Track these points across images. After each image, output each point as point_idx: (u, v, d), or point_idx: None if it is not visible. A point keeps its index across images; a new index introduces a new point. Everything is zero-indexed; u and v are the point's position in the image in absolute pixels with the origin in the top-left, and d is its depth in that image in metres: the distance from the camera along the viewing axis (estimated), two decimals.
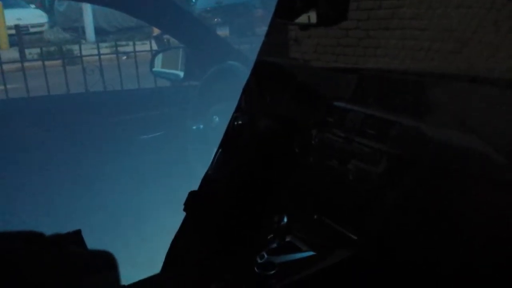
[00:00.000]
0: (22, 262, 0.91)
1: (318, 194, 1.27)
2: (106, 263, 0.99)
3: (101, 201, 2.17)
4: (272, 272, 1.02)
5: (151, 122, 2.63)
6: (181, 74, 2.71)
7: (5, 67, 4.25)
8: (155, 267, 1.11)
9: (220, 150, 1.35)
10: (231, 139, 1.36)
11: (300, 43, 1.53)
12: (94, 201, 2.17)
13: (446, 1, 1.16)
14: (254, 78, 1.41)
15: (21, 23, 11.22)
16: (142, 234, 2.04)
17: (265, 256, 1.06)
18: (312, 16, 1.08)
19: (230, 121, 1.38)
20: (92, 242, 1.04)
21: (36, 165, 2.24)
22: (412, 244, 1.03)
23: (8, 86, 4.02)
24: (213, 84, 2.41)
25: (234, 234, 1.17)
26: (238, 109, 1.39)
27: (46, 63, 4.31)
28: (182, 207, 1.22)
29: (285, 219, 1.18)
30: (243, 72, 2.12)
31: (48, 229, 0.97)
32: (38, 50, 6.34)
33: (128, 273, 1.00)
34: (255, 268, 1.03)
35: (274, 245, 1.14)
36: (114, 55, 4.52)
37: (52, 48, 9.84)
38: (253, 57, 1.42)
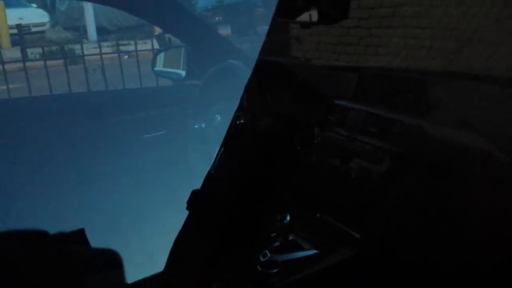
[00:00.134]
0: (26, 260, 0.92)
1: (320, 192, 1.28)
2: (111, 262, 0.99)
3: (102, 200, 2.17)
4: (275, 270, 1.02)
5: (152, 121, 2.63)
6: (183, 73, 2.71)
7: (7, 66, 4.25)
8: (155, 267, 1.11)
9: (222, 149, 1.35)
10: (233, 138, 1.36)
11: (301, 42, 1.53)
12: (95, 200, 2.18)
13: (447, 0, 1.16)
14: (256, 77, 1.41)
15: (23, 22, 11.22)
16: (142, 234, 2.05)
17: (268, 254, 1.06)
18: (313, 15, 1.08)
19: (232, 120, 1.38)
20: (93, 241, 1.04)
21: (37, 164, 2.25)
22: (414, 243, 1.03)
23: (10, 86, 4.02)
24: (215, 83, 2.41)
25: (236, 233, 1.17)
26: (239, 108, 1.39)
27: (48, 62, 4.32)
28: (183, 206, 1.22)
29: (288, 218, 1.18)
30: (245, 71, 2.11)
31: (49, 228, 0.97)
32: (40, 49, 6.34)
33: (128, 273, 1.01)
34: (258, 267, 1.03)
35: (277, 243, 1.14)
36: (116, 54, 4.52)
37: (54, 48, 9.85)
38: (254, 56, 1.42)
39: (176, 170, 2.36)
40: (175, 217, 1.23)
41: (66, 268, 0.95)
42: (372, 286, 1.05)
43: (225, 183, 1.30)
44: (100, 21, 13.69)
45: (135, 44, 4.58)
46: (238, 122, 1.35)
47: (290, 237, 1.17)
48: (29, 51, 9.39)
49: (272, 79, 1.42)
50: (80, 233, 1.06)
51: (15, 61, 5.48)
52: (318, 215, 1.24)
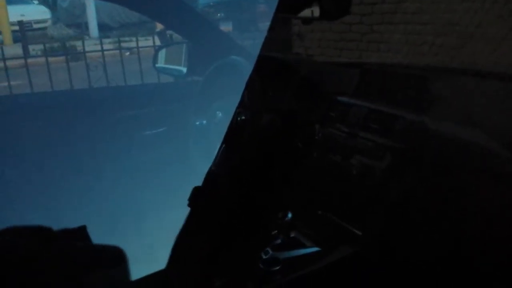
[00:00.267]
0: (32, 255, 0.92)
1: (322, 189, 1.27)
2: (116, 258, 1.00)
3: (103, 197, 2.17)
4: (277, 268, 1.02)
5: (154, 118, 2.62)
6: (184, 69, 2.70)
7: (9, 63, 4.25)
8: (156, 263, 1.11)
9: (223, 145, 1.35)
10: (234, 135, 1.36)
11: (303, 38, 1.53)
12: (95, 197, 2.18)
13: None
14: (257, 73, 1.40)
15: (25, 19, 11.21)
16: (143, 231, 2.05)
17: (270, 252, 1.06)
18: (315, 11, 1.08)
19: (233, 116, 1.38)
20: (94, 238, 1.04)
21: (38, 160, 2.25)
22: (415, 241, 1.03)
23: (12, 83, 4.02)
24: (216, 80, 2.40)
25: (237, 230, 1.17)
26: (241, 104, 1.39)
27: (50, 59, 4.31)
28: (185, 203, 1.22)
29: (290, 215, 1.17)
30: (246, 67, 2.10)
31: (48, 225, 0.97)
32: (41, 46, 6.34)
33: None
34: (260, 264, 1.03)
35: (279, 241, 1.14)
36: (117, 51, 4.51)
37: (55, 44, 9.84)
38: (256, 52, 1.41)
39: (177, 167, 2.36)
40: (177, 214, 1.23)
41: (71, 263, 0.96)
42: (373, 283, 1.05)
43: (226, 180, 1.30)
44: (101, 17, 13.67)
45: (137, 40, 4.57)
46: (239, 118, 1.35)
47: (292, 235, 1.16)
48: (30, 47, 9.37)
49: (274, 75, 1.42)
50: (82, 230, 1.06)
51: (17, 57, 5.46)
52: (319, 212, 1.24)
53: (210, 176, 1.32)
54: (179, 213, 1.20)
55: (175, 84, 3.10)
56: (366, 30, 1.35)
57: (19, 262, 0.89)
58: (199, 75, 2.61)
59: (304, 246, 1.15)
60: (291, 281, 1.02)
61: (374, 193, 1.12)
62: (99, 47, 4.39)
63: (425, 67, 1.20)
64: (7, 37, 11.76)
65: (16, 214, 1.93)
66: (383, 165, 1.11)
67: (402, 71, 1.23)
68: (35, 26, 13.18)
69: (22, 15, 11.61)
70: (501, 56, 0.99)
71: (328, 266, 1.07)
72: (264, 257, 1.05)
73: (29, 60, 4.44)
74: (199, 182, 1.27)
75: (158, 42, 4.64)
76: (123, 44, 4.92)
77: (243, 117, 1.35)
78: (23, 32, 9.75)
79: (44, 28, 13.59)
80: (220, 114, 2.30)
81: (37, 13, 13.84)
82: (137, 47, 4.46)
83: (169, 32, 4.69)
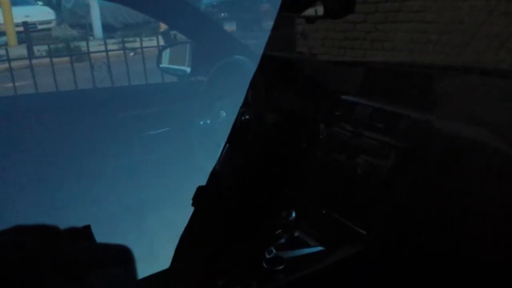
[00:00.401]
0: (37, 253, 0.92)
1: (326, 189, 1.27)
2: (123, 257, 1.00)
3: (106, 197, 2.18)
4: (281, 267, 1.02)
5: (158, 118, 2.63)
6: (188, 69, 2.71)
7: (14, 64, 4.26)
8: (159, 263, 1.11)
9: (227, 145, 1.35)
10: (238, 135, 1.36)
11: (307, 37, 1.53)
12: (99, 197, 2.18)
13: None
14: (261, 73, 1.40)
15: (29, 20, 11.25)
16: (147, 230, 2.05)
17: (274, 251, 1.06)
18: (319, 9, 1.07)
19: (237, 116, 1.38)
20: (97, 237, 1.05)
21: (43, 160, 2.26)
22: (419, 239, 1.03)
23: (17, 83, 4.04)
24: (220, 79, 2.40)
25: (241, 229, 1.17)
26: (245, 104, 1.39)
27: (54, 59, 4.32)
28: (189, 202, 1.22)
29: (294, 214, 1.17)
30: (250, 66, 2.10)
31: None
32: (46, 47, 6.35)
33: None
34: (264, 264, 1.03)
35: (283, 240, 1.14)
36: (122, 51, 4.52)
37: (60, 45, 9.86)
38: (259, 52, 1.41)
39: (181, 167, 2.36)
40: (181, 214, 1.23)
41: (78, 262, 0.96)
42: (377, 283, 1.04)
43: (230, 179, 1.29)
44: (106, 18, 13.71)
45: (141, 41, 4.58)
46: (243, 118, 1.35)
47: (296, 234, 1.16)
48: (35, 48, 9.41)
49: (278, 75, 1.41)
50: (87, 229, 1.07)
51: (22, 58, 5.49)
52: (324, 211, 1.23)
53: (214, 175, 1.31)
54: (183, 213, 1.20)
55: (179, 84, 3.10)
56: (370, 28, 1.35)
57: (25, 260, 0.89)
58: (203, 75, 2.61)
59: (308, 246, 1.15)
60: (295, 280, 1.01)
61: (378, 192, 1.12)
62: (103, 48, 4.41)
63: (430, 66, 1.19)
64: (12, 38, 11.80)
65: (19, 213, 1.93)
66: (387, 164, 1.10)
67: (406, 70, 1.22)
68: (39, 27, 13.23)
69: (27, 16, 11.66)
70: (506, 54, 0.99)
71: (332, 265, 1.06)
72: (267, 256, 1.04)
73: (34, 61, 4.45)
74: (203, 181, 1.27)
75: (162, 42, 4.65)
76: (127, 45, 4.94)
77: (247, 117, 1.35)
78: (28, 33, 9.79)
79: (49, 29, 13.64)
80: (224, 114, 2.30)
81: (42, 14, 13.89)
82: (141, 47, 4.47)
83: (173, 32, 4.70)
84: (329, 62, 1.47)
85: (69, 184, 2.23)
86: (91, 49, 4.47)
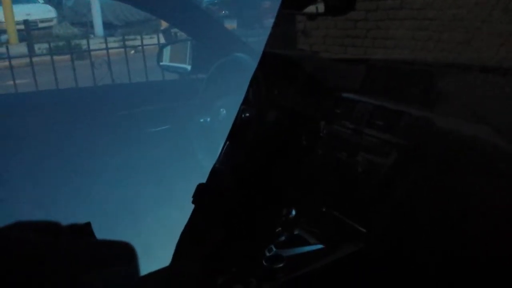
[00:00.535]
0: (39, 250, 0.92)
1: (326, 186, 1.27)
2: (125, 254, 0.99)
3: (105, 195, 2.18)
4: (280, 265, 1.01)
5: (158, 115, 2.63)
6: (189, 67, 2.71)
7: (14, 62, 4.27)
8: (159, 261, 1.10)
9: (227, 143, 1.35)
10: (238, 132, 1.35)
11: (308, 35, 1.52)
12: (98, 195, 2.18)
13: None
14: (262, 70, 1.40)
15: (30, 18, 11.28)
16: (146, 228, 2.05)
17: (274, 249, 1.05)
18: (320, 7, 1.07)
19: (238, 113, 1.38)
20: (97, 234, 1.04)
21: (43, 158, 2.26)
22: (420, 238, 1.02)
23: (17, 81, 4.04)
24: (220, 77, 2.40)
25: (241, 227, 1.17)
26: (245, 101, 1.38)
27: (55, 57, 4.33)
28: (189, 200, 1.22)
29: (294, 212, 1.17)
30: (251, 64, 2.10)
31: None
32: (46, 45, 6.36)
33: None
34: (263, 261, 1.02)
35: (283, 238, 1.13)
36: (122, 49, 4.52)
37: (60, 43, 9.87)
38: (260, 49, 1.41)
39: (181, 164, 2.36)
40: (180, 211, 1.23)
41: (81, 259, 0.96)
42: (377, 281, 1.04)
43: (230, 177, 1.29)
44: (106, 16, 13.72)
45: (141, 38, 4.58)
46: (243, 115, 1.35)
47: (296, 232, 1.16)
48: (36, 46, 9.44)
49: (278, 72, 1.41)
50: (87, 226, 1.07)
51: (22, 56, 5.50)
52: (324, 209, 1.23)
53: (214, 173, 1.31)
54: (182, 211, 1.20)
55: (180, 81, 3.10)
56: (372, 26, 1.34)
57: (27, 256, 0.89)
58: (204, 73, 2.61)
59: (308, 244, 1.15)
60: (295, 278, 1.01)
61: (379, 190, 1.11)
62: (104, 46, 4.41)
63: (431, 63, 1.18)
64: (13, 36, 11.82)
65: (16, 211, 1.94)
66: (388, 162, 1.10)
67: (408, 67, 1.22)
68: (40, 25, 13.25)
69: (28, 14, 11.69)
70: (508, 51, 0.98)
71: (332, 263, 1.06)
72: (267, 254, 1.04)
73: (35, 59, 4.46)
74: (203, 179, 1.27)
75: (162, 40, 4.65)
76: (128, 43, 4.94)
77: (247, 114, 1.35)
78: (29, 31, 9.81)
79: (50, 27, 13.65)
80: (224, 111, 2.30)
81: (43, 12, 13.91)
82: (142, 45, 4.46)
83: (173, 30, 4.70)
84: (330, 60, 1.46)
85: (69, 181, 2.23)
86: (92, 47, 4.48)
